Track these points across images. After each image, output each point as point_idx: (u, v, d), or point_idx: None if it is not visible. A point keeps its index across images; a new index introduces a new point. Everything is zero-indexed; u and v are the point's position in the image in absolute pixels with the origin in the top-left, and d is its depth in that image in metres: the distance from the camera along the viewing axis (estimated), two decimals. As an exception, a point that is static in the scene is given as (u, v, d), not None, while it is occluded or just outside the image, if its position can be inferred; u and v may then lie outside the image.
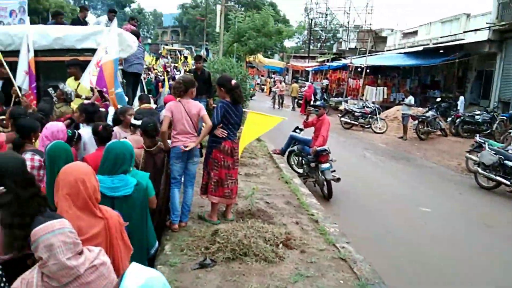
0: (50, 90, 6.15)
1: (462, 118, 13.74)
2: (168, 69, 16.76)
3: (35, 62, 6.07)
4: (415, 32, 23.44)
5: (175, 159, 4.41)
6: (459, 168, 10.16)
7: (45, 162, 2.85)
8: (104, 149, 2.82)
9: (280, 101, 22.27)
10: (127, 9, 67.25)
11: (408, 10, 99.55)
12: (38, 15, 18.39)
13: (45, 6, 19.93)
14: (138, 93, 8.60)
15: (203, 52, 38.37)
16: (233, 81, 4.66)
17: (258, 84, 36.75)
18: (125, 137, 4.31)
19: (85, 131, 4.07)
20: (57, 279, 1.60)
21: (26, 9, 17.03)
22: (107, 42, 5.72)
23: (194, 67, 8.72)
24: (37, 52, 6.26)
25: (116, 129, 4.41)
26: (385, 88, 20.42)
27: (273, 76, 40.53)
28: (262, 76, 41.61)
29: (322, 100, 19.85)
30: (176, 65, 27.41)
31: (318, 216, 5.22)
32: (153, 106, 6.86)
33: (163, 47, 49.48)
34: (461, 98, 15.71)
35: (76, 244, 1.66)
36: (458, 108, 15.26)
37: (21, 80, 5.68)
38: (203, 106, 4.66)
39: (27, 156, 3.12)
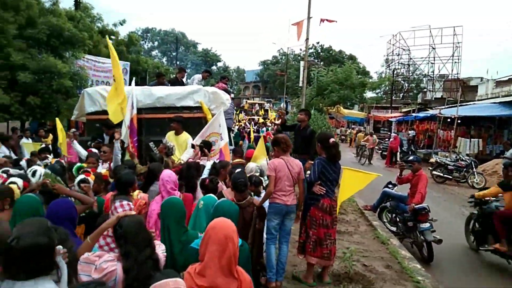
0: (151, 144, 6.61)
1: None
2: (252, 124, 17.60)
3: (139, 119, 6.59)
4: (510, 80, 21.74)
5: (273, 215, 4.34)
6: None
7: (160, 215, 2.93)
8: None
9: (369, 155, 19.90)
10: (213, 67, 72.55)
11: (498, 58, 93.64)
12: (137, 75, 20.37)
13: (144, 67, 22.12)
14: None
15: (282, 105, 39.30)
16: (331, 140, 4.57)
17: (337, 134, 36.30)
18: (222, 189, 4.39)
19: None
20: None
21: (128, 70, 19.05)
22: (219, 128, 6.69)
23: (297, 120, 7.80)
24: (140, 110, 6.81)
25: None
26: (480, 139, 18.78)
27: (353, 126, 39.94)
28: (342, 126, 41.12)
29: (410, 152, 18.86)
30: (258, 117, 28.21)
31: (425, 284, 4.70)
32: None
33: (245, 101, 51.76)
34: None
35: None
36: None
37: (123, 134, 6.16)
38: (302, 167, 4.59)
39: (116, 204, 3.11)
